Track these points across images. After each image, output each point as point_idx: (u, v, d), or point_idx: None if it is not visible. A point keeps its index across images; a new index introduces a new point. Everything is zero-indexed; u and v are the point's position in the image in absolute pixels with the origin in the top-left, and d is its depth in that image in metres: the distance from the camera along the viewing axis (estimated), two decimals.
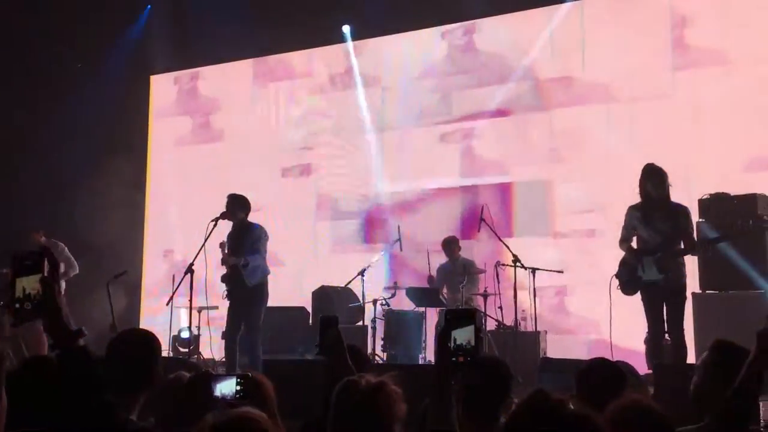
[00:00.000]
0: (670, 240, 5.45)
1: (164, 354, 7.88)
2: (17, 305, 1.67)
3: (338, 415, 2.03)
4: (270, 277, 6.57)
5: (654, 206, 5.51)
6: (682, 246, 5.48)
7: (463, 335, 1.98)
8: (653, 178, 5.47)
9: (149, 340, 2.52)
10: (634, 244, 5.68)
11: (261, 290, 6.44)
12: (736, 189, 6.47)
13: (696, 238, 5.75)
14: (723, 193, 6.51)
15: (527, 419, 1.33)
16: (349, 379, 2.09)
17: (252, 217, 6.64)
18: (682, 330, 5.43)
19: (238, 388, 2.18)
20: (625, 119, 8.06)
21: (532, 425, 1.32)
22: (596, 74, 8.30)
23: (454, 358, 1.98)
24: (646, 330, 5.79)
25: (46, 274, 1.70)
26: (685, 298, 5.55)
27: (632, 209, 5.65)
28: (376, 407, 1.98)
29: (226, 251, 6.43)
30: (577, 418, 1.32)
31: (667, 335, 5.53)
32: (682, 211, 5.51)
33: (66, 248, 7.80)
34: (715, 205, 6.43)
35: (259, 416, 1.75)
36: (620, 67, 8.15)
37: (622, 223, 5.70)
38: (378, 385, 2.03)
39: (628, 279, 5.60)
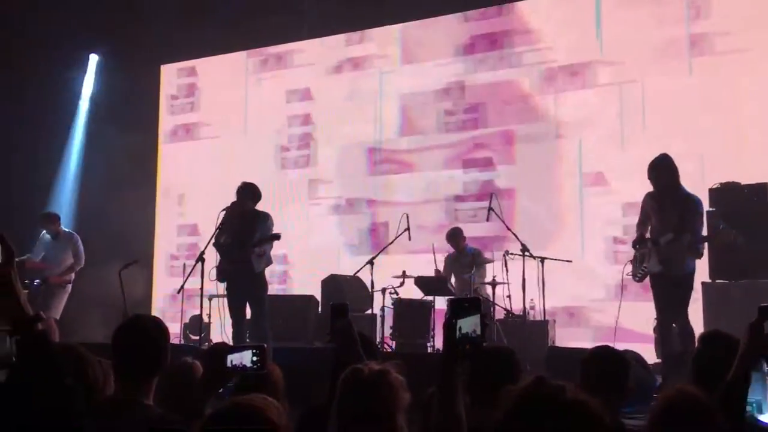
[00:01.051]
0: (676, 230, 5.40)
1: (176, 341, 8.04)
2: None
3: (342, 402, 2.06)
4: (280, 266, 6.63)
5: (665, 196, 5.51)
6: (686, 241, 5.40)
7: (468, 324, 1.98)
8: (656, 170, 5.47)
9: (157, 325, 2.55)
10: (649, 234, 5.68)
11: (264, 277, 6.53)
12: (750, 177, 6.45)
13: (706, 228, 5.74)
14: (733, 182, 6.48)
15: (524, 405, 1.33)
16: (354, 367, 2.11)
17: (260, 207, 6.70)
18: (686, 318, 5.40)
19: (255, 359, 2.20)
20: (639, 103, 8.03)
21: (530, 411, 1.32)
22: (612, 57, 8.25)
23: (460, 347, 1.99)
24: (654, 319, 5.82)
25: (1, 260, 1.67)
26: (689, 287, 5.50)
27: (648, 197, 5.64)
28: (379, 395, 2.01)
29: (223, 238, 6.46)
30: (575, 403, 1.32)
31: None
32: (690, 203, 5.47)
33: (80, 241, 7.86)
34: (725, 194, 6.40)
35: (263, 403, 1.77)
36: (636, 51, 8.08)
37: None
38: (381, 373, 2.05)
39: (637, 267, 5.63)
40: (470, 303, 2.02)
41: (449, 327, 1.99)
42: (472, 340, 1.98)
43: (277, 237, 6.41)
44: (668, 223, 5.45)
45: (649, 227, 5.65)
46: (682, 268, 5.43)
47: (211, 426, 1.74)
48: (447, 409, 2.00)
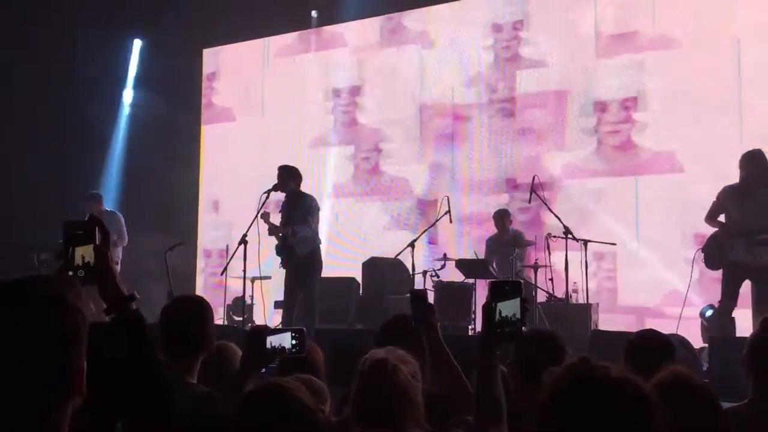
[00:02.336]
0: (763, 224, 5.45)
1: (219, 323, 8.18)
2: (70, 272, 1.75)
3: (361, 388, 2.08)
4: (322, 248, 6.68)
5: (752, 189, 5.55)
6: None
7: (508, 307, 1.95)
8: (749, 162, 5.55)
9: (201, 305, 2.60)
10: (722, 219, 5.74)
11: (313, 259, 6.57)
12: None
13: None
14: None
15: (569, 384, 1.32)
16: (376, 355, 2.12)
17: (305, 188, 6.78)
18: None
19: (294, 342, 2.22)
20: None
21: (575, 391, 1.31)
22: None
23: (499, 330, 1.97)
24: (706, 304, 5.77)
25: (98, 243, 1.78)
26: None
27: (729, 188, 5.71)
28: (391, 384, 2.01)
29: (279, 221, 6.56)
30: (620, 382, 1.30)
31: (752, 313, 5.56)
32: None
33: (123, 219, 8.03)
34: None
35: (296, 386, 1.81)
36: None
37: (714, 199, 5.81)
38: (383, 362, 2.05)
39: (716, 255, 5.67)
40: (511, 286, 2.00)
41: (489, 310, 1.98)
42: (511, 323, 1.96)
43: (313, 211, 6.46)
44: (753, 215, 5.47)
45: (723, 216, 5.72)
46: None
47: (245, 405, 1.77)
48: (485, 391, 1.99)
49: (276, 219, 6.77)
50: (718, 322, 5.66)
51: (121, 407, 1.62)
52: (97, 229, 1.79)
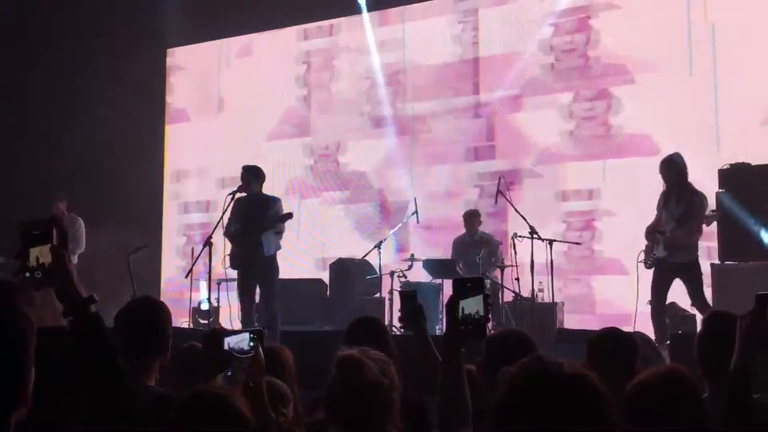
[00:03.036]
0: (680, 222, 5.86)
1: (185, 326, 8.09)
2: (27, 274, 1.71)
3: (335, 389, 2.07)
4: (290, 250, 6.67)
5: (672, 191, 5.94)
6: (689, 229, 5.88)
7: (470, 304, 1.97)
8: (662, 168, 5.97)
9: (158, 307, 2.57)
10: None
11: (275, 260, 6.58)
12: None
13: (715, 210, 6.18)
14: (744, 163, 6.44)
15: (523, 383, 1.32)
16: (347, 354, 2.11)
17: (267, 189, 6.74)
18: (705, 302, 5.77)
19: (252, 344, 2.20)
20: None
21: (528, 389, 1.31)
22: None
23: (463, 327, 1.97)
24: (676, 300, 6.14)
25: (55, 243, 1.73)
26: (698, 272, 5.89)
27: (661, 194, 6.11)
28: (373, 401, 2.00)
29: (233, 220, 6.51)
30: (574, 378, 1.30)
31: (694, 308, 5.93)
32: (696, 198, 5.91)
33: (83, 225, 7.83)
34: (735, 175, 6.37)
35: (231, 393, 1.78)
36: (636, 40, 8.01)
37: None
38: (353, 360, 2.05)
39: (647, 255, 6.07)
40: (473, 283, 2.02)
41: (451, 308, 1.98)
42: (474, 320, 1.97)
43: (290, 216, 6.47)
44: (672, 216, 5.91)
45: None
46: (686, 255, 5.86)
47: (178, 412, 1.75)
48: (451, 390, 1.99)
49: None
50: (653, 320, 5.92)
51: (80, 410, 1.59)
52: (54, 228, 1.74)
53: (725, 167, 6.45)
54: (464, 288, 2.00)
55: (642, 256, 6.12)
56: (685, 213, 5.85)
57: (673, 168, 5.92)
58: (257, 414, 1.79)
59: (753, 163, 6.36)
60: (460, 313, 1.97)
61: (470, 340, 2.04)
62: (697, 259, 5.93)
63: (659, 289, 5.92)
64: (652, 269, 6.02)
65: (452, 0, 9.26)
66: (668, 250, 5.87)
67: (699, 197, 5.93)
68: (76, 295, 1.70)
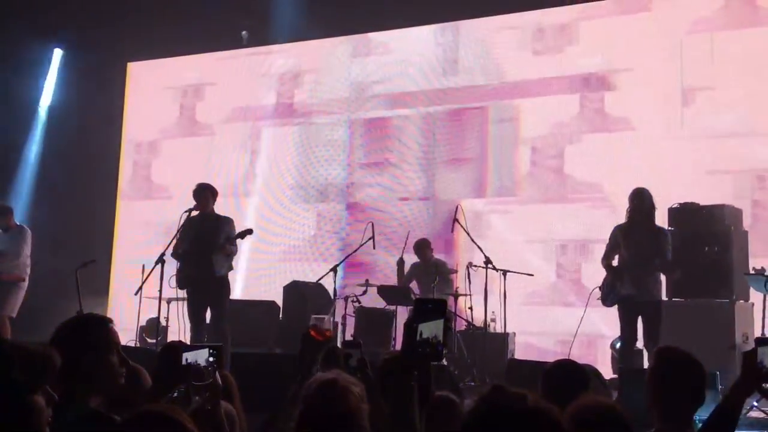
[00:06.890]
0: (647, 259, 5.77)
1: (132, 344, 7.87)
2: None
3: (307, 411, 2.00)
4: (244, 272, 6.58)
5: (636, 227, 5.86)
6: (657, 264, 5.81)
7: (430, 328, 1.86)
8: (633, 201, 5.87)
9: (98, 325, 2.44)
10: (615, 262, 5.98)
11: (226, 281, 6.48)
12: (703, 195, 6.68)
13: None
14: (692, 202, 6.64)
15: (485, 414, 1.31)
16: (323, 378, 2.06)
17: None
18: (658, 342, 5.62)
19: (212, 360, 2.15)
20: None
21: (490, 420, 1.30)
22: None
23: (420, 349, 1.87)
24: (617, 336, 6.09)
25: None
26: (660, 311, 5.83)
27: (617, 228, 6.00)
28: (343, 407, 1.95)
29: (181, 240, 6.41)
30: (536, 411, 1.30)
31: (644, 347, 5.84)
32: (662, 234, 5.89)
33: (29, 235, 7.56)
34: (684, 214, 6.57)
35: (177, 411, 1.70)
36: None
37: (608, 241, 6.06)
38: (335, 382, 1.99)
39: (608, 292, 5.92)
40: (434, 305, 1.91)
41: (409, 329, 1.88)
42: (432, 346, 1.86)
43: (250, 231, 6.39)
44: (638, 252, 5.79)
45: (617, 257, 5.99)
46: (654, 294, 5.82)
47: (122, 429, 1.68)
48: (400, 412, 1.90)
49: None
50: (622, 356, 5.94)
51: None
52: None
53: (674, 206, 6.64)
54: (425, 310, 1.90)
55: (598, 292, 5.99)
56: (658, 248, 5.77)
57: (648, 199, 5.84)
58: None
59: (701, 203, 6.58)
60: (419, 336, 1.87)
61: (425, 362, 1.93)
62: (661, 299, 5.93)
63: (630, 327, 5.81)
64: (612, 306, 5.93)
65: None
66: (636, 288, 5.74)
67: (664, 233, 5.91)
68: None
